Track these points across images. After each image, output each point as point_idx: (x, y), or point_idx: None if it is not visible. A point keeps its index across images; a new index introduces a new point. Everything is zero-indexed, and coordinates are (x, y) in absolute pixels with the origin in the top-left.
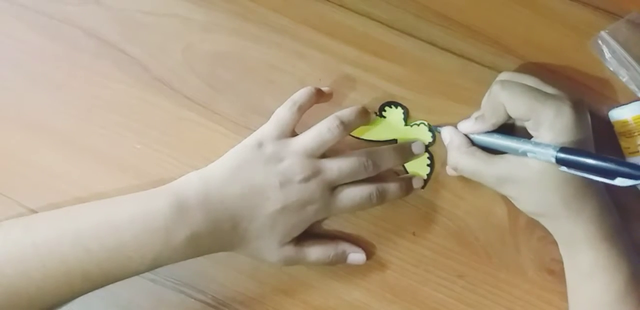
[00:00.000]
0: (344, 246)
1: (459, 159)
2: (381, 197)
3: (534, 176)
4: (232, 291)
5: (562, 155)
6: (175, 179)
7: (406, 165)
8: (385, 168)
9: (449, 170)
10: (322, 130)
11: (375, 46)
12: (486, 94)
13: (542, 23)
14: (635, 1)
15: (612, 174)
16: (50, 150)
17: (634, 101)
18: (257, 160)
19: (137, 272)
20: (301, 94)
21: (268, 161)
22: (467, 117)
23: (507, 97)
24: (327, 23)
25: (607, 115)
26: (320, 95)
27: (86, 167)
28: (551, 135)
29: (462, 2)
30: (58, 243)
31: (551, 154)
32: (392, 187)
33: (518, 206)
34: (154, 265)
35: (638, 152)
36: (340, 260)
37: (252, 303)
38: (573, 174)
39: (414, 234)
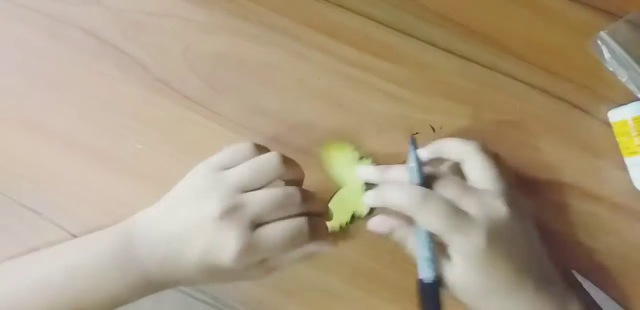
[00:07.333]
0: (308, 246)
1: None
2: (313, 229)
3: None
4: (232, 291)
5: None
6: (175, 178)
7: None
8: (312, 206)
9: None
10: (259, 163)
11: (375, 46)
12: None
13: (542, 23)
14: (634, 1)
15: None
16: (50, 150)
17: (633, 101)
18: (188, 194)
19: None
20: (248, 143)
21: (194, 196)
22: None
23: (424, 212)
24: (327, 23)
25: (607, 115)
26: (264, 150)
27: (86, 167)
28: (463, 264)
29: (462, 3)
30: (16, 296)
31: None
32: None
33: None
34: (114, 304)
35: (637, 152)
36: (313, 255)
37: (252, 303)
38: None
39: None
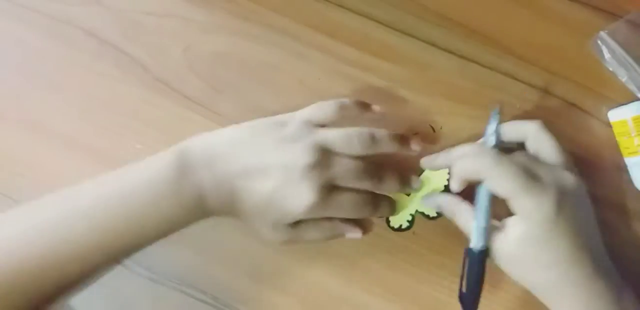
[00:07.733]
0: (340, 227)
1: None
2: (377, 207)
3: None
4: (232, 291)
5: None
6: None
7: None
8: (384, 187)
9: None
10: (352, 133)
11: (375, 46)
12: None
13: (542, 23)
14: (634, 1)
15: None
16: (50, 150)
17: (633, 101)
18: (273, 137)
19: (156, 238)
20: (350, 100)
21: (282, 140)
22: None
23: (496, 173)
24: (327, 23)
25: (607, 115)
26: (366, 108)
27: (86, 167)
28: (524, 226)
29: (462, 3)
30: (68, 224)
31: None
32: (385, 201)
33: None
34: (169, 230)
35: (637, 152)
36: (336, 238)
37: (252, 303)
38: None
39: (413, 233)
